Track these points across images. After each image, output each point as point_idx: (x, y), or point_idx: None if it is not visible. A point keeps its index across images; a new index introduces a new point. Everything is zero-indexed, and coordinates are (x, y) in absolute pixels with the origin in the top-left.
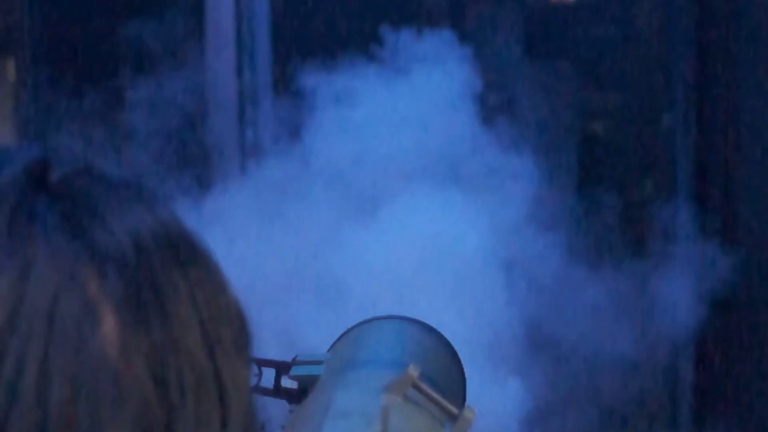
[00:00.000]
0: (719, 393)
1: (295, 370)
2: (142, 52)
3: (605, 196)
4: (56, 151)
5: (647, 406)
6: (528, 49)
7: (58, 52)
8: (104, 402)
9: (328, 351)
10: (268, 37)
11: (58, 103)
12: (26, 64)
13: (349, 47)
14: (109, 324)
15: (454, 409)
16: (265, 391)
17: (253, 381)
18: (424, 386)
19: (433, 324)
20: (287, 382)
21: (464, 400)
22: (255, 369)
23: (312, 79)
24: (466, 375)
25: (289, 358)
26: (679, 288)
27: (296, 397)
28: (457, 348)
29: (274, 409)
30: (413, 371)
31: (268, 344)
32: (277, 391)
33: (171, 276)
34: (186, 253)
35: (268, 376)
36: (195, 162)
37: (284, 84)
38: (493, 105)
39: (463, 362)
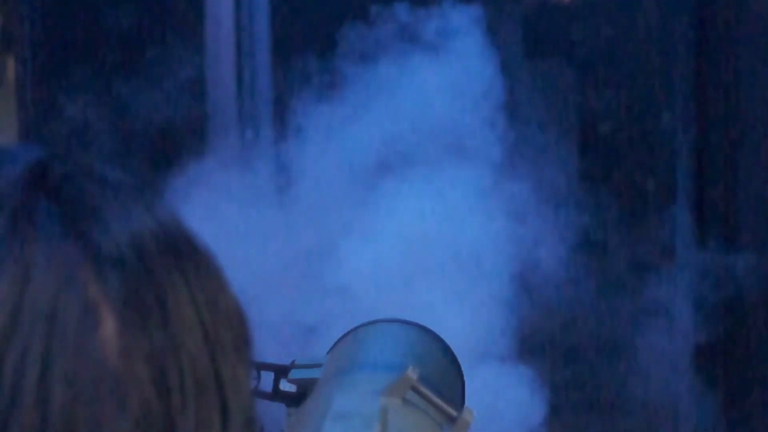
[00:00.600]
0: (722, 397)
1: (294, 374)
2: (142, 50)
3: (605, 195)
4: (56, 151)
5: (648, 410)
6: (527, 48)
7: (58, 50)
8: (105, 404)
9: (327, 354)
10: (268, 32)
11: (58, 103)
12: (27, 64)
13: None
14: (109, 325)
15: (453, 412)
16: (264, 395)
17: (252, 384)
18: (423, 388)
19: (434, 325)
20: (286, 386)
21: (463, 402)
22: (254, 372)
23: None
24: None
25: (287, 362)
26: (679, 288)
27: (295, 400)
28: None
29: (273, 413)
30: (412, 373)
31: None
32: (276, 395)
33: (171, 277)
34: (186, 254)
35: (267, 380)
36: (193, 154)
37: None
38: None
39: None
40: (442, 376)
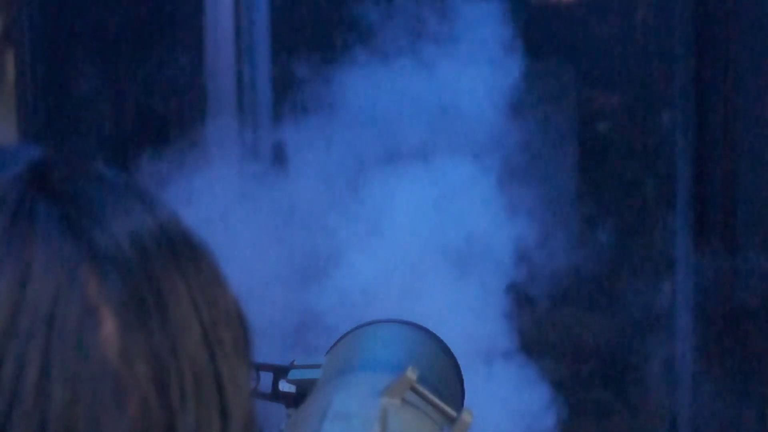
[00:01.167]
0: (719, 399)
1: (293, 374)
2: (142, 50)
3: (603, 196)
4: (56, 151)
5: (645, 410)
6: (527, 48)
7: (58, 50)
8: (104, 404)
9: (326, 354)
10: (268, 30)
11: (58, 103)
12: (27, 64)
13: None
14: (109, 326)
15: (452, 412)
16: (263, 395)
17: (252, 385)
18: (423, 389)
19: (434, 325)
20: (285, 386)
21: (462, 402)
22: (253, 373)
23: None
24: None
25: (286, 362)
26: (679, 289)
27: (294, 400)
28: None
29: (272, 413)
30: (411, 374)
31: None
32: (275, 395)
33: (171, 277)
34: (186, 255)
35: (266, 380)
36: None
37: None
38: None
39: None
40: (441, 376)
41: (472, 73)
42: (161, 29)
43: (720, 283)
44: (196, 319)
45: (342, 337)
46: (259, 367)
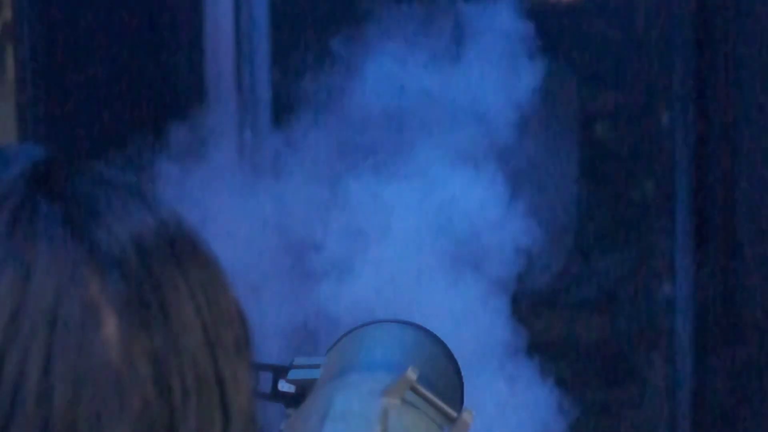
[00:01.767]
0: (719, 398)
1: (293, 374)
2: (141, 50)
3: (604, 195)
4: (58, 151)
5: (645, 410)
6: (526, 47)
7: (58, 50)
8: (106, 404)
9: (326, 354)
10: (268, 30)
11: (58, 103)
12: (27, 64)
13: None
14: (110, 326)
15: (452, 412)
16: (263, 395)
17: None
18: (423, 389)
19: (434, 326)
20: (284, 386)
21: (462, 402)
22: (253, 373)
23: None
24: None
25: (286, 362)
26: (679, 290)
27: (294, 400)
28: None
29: (271, 413)
30: (411, 374)
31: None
32: (275, 395)
33: (172, 277)
34: (187, 255)
35: (266, 380)
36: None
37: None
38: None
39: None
40: (441, 376)
41: (472, 73)
42: (161, 29)
43: (720, 283)
44: (197, 319)
45: (342, 337)
46: (259, 367)
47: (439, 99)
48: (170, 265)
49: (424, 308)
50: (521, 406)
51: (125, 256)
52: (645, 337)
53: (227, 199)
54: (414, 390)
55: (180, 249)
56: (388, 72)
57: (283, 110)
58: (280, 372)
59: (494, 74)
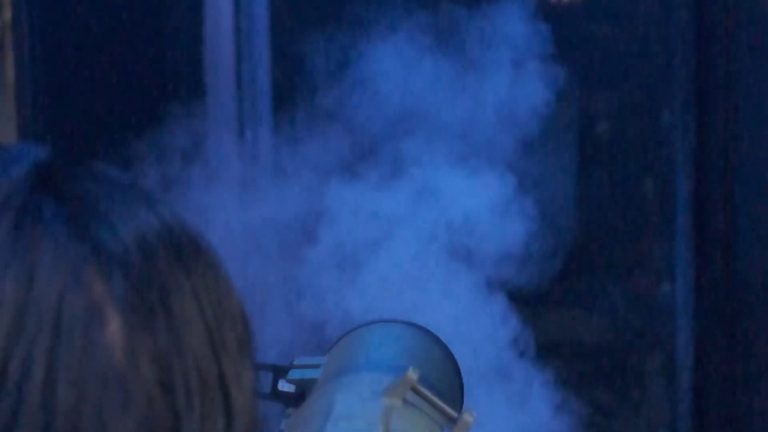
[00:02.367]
0: (718, 401)
1: (293, 374)
2: (141, 50)
3: (604, 195)
4: (59, 152)
5: (645, 410)
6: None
7: (58, 51)
8: (110, 404)
9: (326, 354)
10: (268, 30)
11: (58, 103)
12: (27, 64)
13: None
14: (114, 325)
15: (453, 413)
16: (263, 395)
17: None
18: (424, 390)
19: (435, 327)
20: (284, 386)
21: (462, 402)
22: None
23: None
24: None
25: (286, 362)
26: (679, 288)
27: (294, 400)
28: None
29: (271, 413)
30: (412, 374)
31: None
32: (275, 395)
33: (176, 277)
34: (190, 255)
35: (266, 380)
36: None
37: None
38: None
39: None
40: (441, 377)
41: (473, 74)
42: (161, 29)
43: (720, 283)
44: (200, 319)
45: (342, 337)
46: (259, 367)
47: (440, 99)
48: (174, 265)
49: (424, 308)
50: (520, 407)
51: (129, 257)
52: (645, 337)
53: (227, 198)
54: (415, 390)
55: (183, 249)
56: (388, 72)
57: (283, 109)
58: (280, 372)
59: (494, 74)
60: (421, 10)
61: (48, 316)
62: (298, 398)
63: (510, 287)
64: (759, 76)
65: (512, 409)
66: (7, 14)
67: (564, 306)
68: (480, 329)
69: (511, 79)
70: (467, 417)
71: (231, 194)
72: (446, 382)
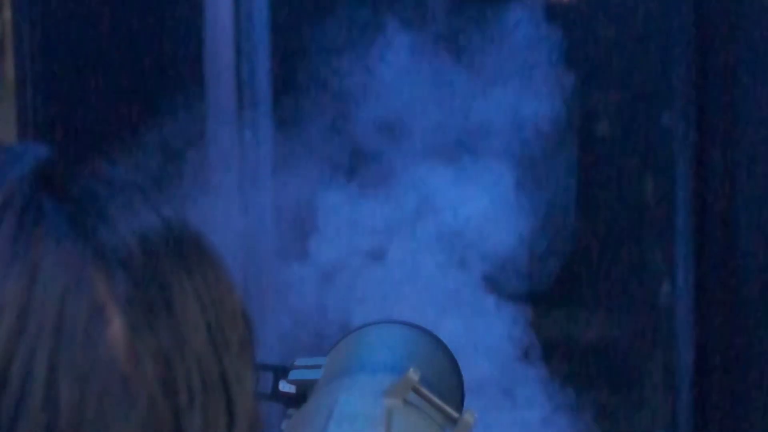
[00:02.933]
0: (719, 398)
1: (294, 374)
2: (141, 50)
3: (604, 195)
4: (60, 151)
5: (645, 410)
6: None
7: (58, 51)
8: (112, 404)
9: (327, 355)
10: (268, 30)
11: (58, 103)
12: (26, 64)
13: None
14: (116, 325)
15: (454, 413)
16: (263, 395)
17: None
18: (425, 390)
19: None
20: (285, 387)
21: (462, 403)
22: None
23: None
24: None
25: (287, 362)
26: (679, 288)
27: (294, 401)
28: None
29: (271, 413)
30: (414, 375)
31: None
32: (276, 395)
33: (178, 277)
34: (193, 255)
35: (266, 381)
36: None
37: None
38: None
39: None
40: (442, 377)
41: (473, 74)
42: (161, 29)
43: (720, 283)
44: (202, 319)
45: (343, 338)
46: (260, 368)
47: (440, 100)
48: (176, 265)
49: (424, 309)
50: (521, 406)
51: (131, 256)
52: (645, 337)
53: (226, 198)
54: (416, 391)
55: (185, 249)
56: (389, 71)
57: (283, 109)
58: (281, 372)
59: (494, 75)
60: (421, 9)
61: (50, 316)
62: (298, 399)
63: (510, 287)
64: (759, 76)
65: (512, 409)
66: (7, 14)
67: (564, 306)
68: (480, 329)
69: (511, 80)
70: (468, 417)
71: (230, 191)
72: (447, 383)
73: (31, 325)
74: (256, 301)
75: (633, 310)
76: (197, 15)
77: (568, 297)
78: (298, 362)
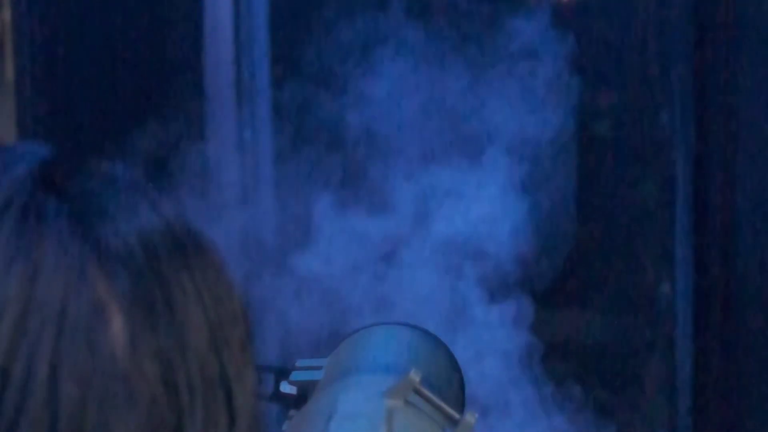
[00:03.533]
0: (718, 401)
1: (295, 375)
2: (141, 50)
3: (604, 195)
4: (62, 151)
5: (645, 410)
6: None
7: (58, 51)
8: (114, 403)
9: (328, 356)
10: (268, 30)
11: (58, 103)
12: (26, 64)
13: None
14: (117, 324)
15: (455, 414)
16: (264, 396)
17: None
18: (426, 391)
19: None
20: (286, 388)
21: (463, 404)
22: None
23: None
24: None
25: (288, 364)
26: (679, 288)
27: (295, 402)
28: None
29: (271, 414)
30: (414, 376)
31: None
32: (277, 396)
33: (179, 276)
34: (193, 254)
35: (267, 382)
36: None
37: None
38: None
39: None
40: (443, 378)
41: (473, 74)
42: (160, 28)
43: (720, 283)
44: (203, 318)
45: (344, 339)
46: (261, 368)
47: (440, 101)
48: (177, 264)
49: (424, 309)
50: (521, 406)
51: (132, 256)
52: (645, 337)
53: (226, 197)
54: (417, 392)
55: (186, 248)
56: (388, 71)
57: (283, 108)
58: (282, 373)
59: (494, 75)
60: (422, 12)
61: (51, 314)
62: (299, 400)
63: (510, 288)
64: (759, 77)
65: (512, 408)
66: (7, 14)
67: (564, 306)
68: (480, 330)
69: (511, 80)
70: (469, 418)
71: (230, 190)
72: (448, 384)
73: (33, 324)
74: (256, 301)
75: (633, 311)
76: (197, 14)
77: (568, 297)
78: (299, 363)
